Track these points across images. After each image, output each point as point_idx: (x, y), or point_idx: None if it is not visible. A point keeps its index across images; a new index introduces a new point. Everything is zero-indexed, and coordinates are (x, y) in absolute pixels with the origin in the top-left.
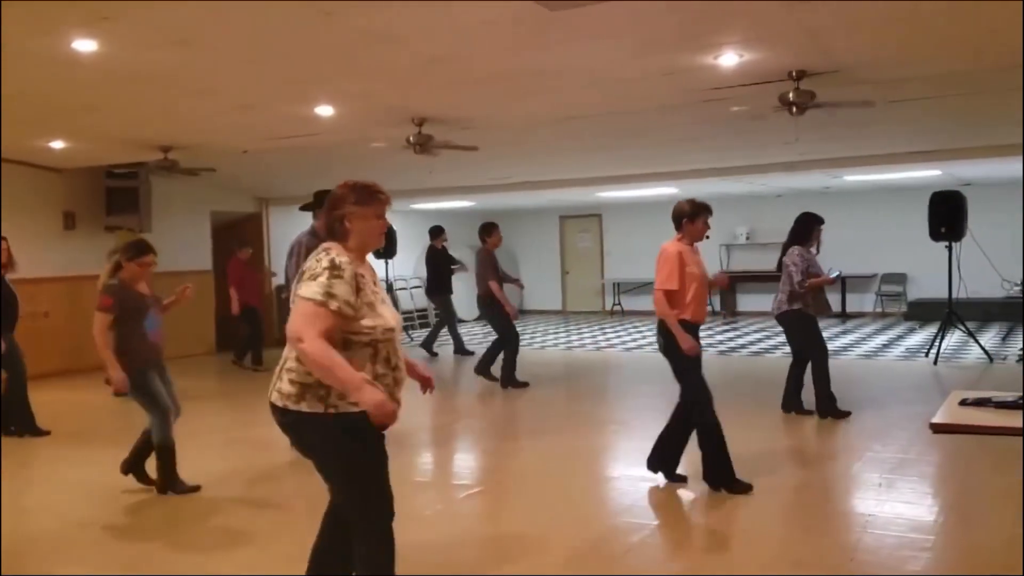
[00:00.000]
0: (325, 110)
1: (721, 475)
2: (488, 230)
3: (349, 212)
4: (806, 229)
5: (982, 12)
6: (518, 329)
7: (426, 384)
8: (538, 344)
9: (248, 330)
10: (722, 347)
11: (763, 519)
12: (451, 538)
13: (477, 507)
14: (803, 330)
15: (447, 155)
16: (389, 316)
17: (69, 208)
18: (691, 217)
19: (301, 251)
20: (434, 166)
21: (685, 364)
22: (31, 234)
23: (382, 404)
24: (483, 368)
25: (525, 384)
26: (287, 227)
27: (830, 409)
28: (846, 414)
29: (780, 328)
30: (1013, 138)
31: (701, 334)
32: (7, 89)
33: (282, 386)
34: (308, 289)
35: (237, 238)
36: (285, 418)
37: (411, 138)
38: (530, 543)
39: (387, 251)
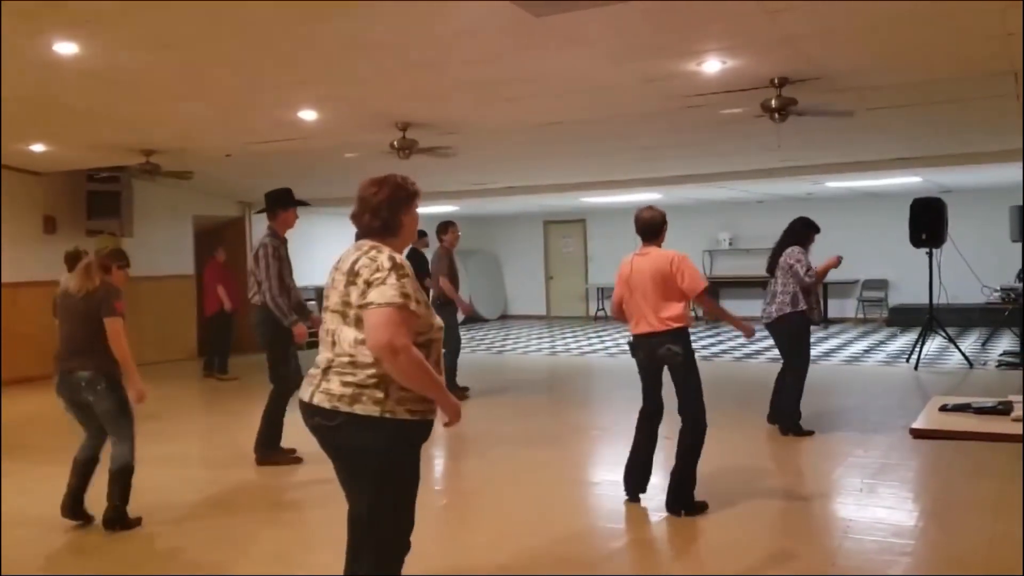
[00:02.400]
0: (309, 114)
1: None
2: (444, 228)
3: (407, 206)
4: (804, 234)
5: (962, 20)
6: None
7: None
8: (521, 349)
9: (217, 336)
10: (705, 352)
11: (745, 524)
12: (428, 544)
13: (454, 514)
14: (801, 335)
15: (431, 159)
16: (435, 316)
17: (50, 212)
18: (665, 225)
19: (268, 252)
20: (418, 171)
21: (696, 377)
22: (11, 238)
23: (460, 411)
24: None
25: (465, 389)
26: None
27: (795, 426)
28: (809, 433)
29: (766, 334)
30: (993, 145)
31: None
32: None
33: (331, 387)
34: (382, 294)
35: (219, 242)
36: (333, 420)
37: (395, 143)
38: (507, 549)
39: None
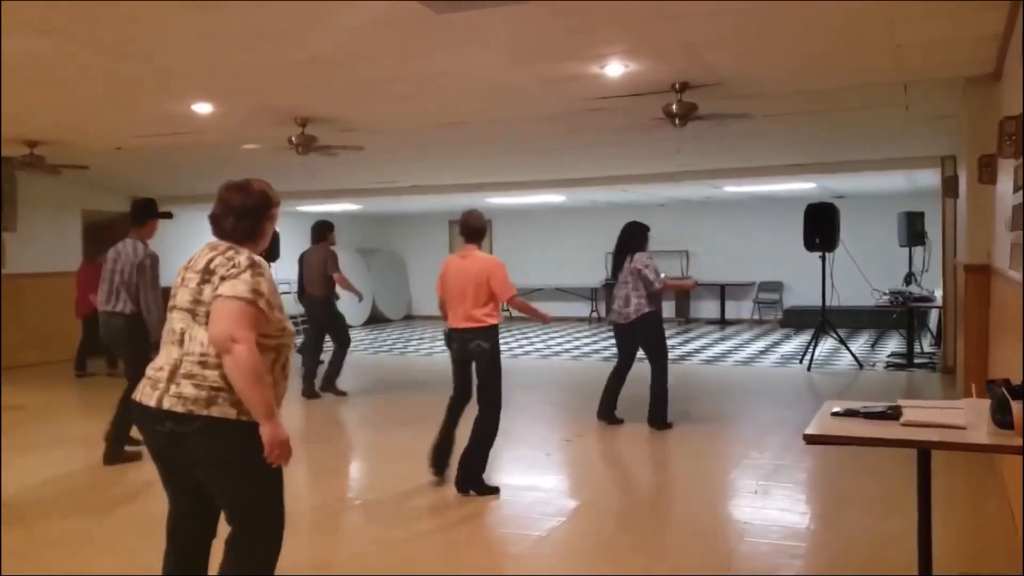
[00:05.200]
0: (203, 107)
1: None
2: (331, 228)
3: (271, 214)
4: (643, 237)
5: (856, 30)
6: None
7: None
8: (426, 350)
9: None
10: (606, 353)
11: (643, 528)
12: (331, 553)
13: (354, 519)
14: (661, 332)
15: (333, 157)
16: (288, 321)
17: None
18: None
19: (153, 265)
20: (319, 168)
21: (497, 369)
22: None
23: (285, 443)
24: (329, 384)
25: (343, 393)
26: (165, 227)
27: (663, 420)
28: (669, 425)
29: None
30: (883, 153)
31: (571, 338)
32: None
33: (183, 390)
34: (233, 287)
35: (110, 238)
36: (187, 425)
37: (293, 138)
38: (399, 559)
39: (271, 254)
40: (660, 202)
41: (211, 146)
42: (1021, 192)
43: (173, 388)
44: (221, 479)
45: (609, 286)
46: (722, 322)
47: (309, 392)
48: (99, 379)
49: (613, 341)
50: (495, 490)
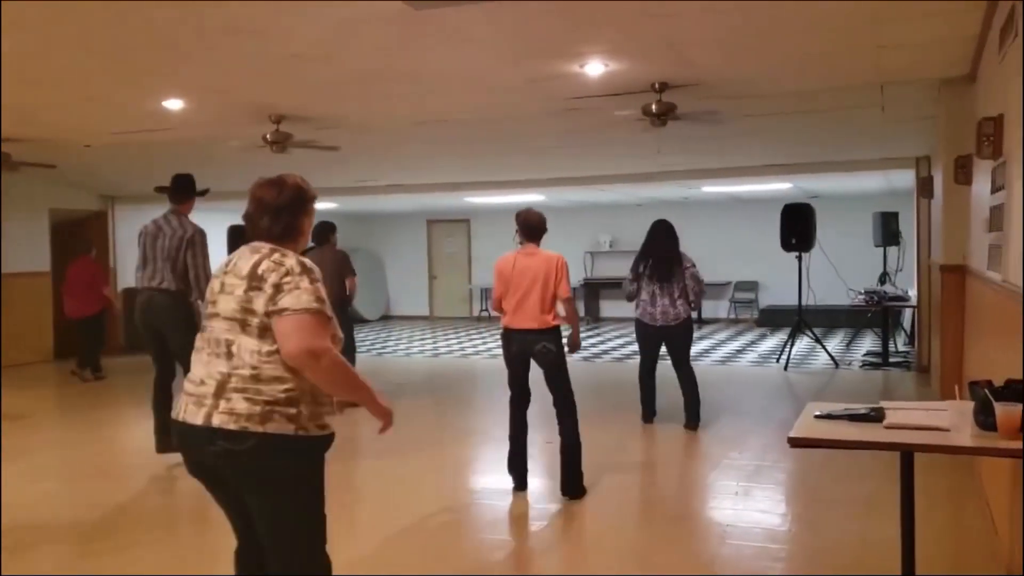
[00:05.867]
0: (175, 104)
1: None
2: (333, 229)
3: (308, 209)
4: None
5: (835, 32)
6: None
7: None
8: (403, 350)
9: (88, 336)
10: (586, 352)
11: (626, 532)
12: None
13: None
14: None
15: (309, 154)
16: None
17: None
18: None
19: (204, 242)
20: (295, 166)
21: (566, 371)
22: None
23: (391, 413)
24: None
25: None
26: (135, 226)
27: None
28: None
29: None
30: (860, 154)
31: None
32: None
33: (235, 406)
34: (298, 299)
35: (80, 237)
36: (243, 443)
37: (268, 136)
38: (389, 563)
39: None
40: (638, 202)
41: (183, 144)
42: (1000, 193)
43: (223, 404)
44: (270, 499)
45: (589, 285)
46: (699, 321)
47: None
48: (68, 381)
49: (591, 342)
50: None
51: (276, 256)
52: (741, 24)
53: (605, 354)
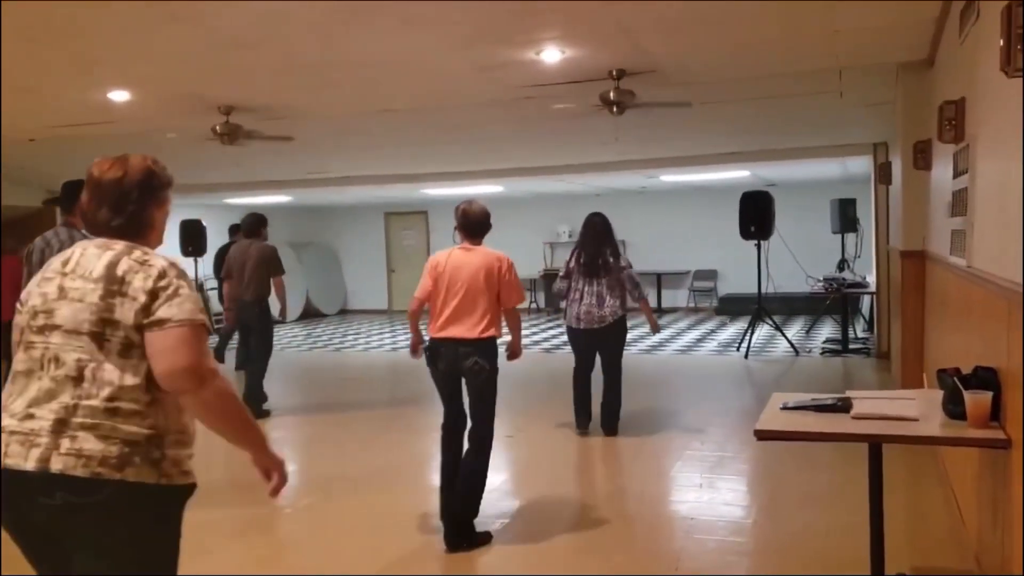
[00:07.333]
0: (120, 95)
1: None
2: (265, 222)
3: (161, 197)
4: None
5: (790, 16)
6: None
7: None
8: (362, 345)
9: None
10: (547, 344)
11: (589, 527)
12: (255, 566)
13: (289, 529)
14: (624, 340)
15: (260, 146)
16: None
17: None
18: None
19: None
20: (245, 158)
21: (494, 400)
22: None
23: (284, 467)
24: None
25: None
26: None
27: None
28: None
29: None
30: (817, 141)
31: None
32: None
33: (85, 446)
34: (180, 308)
35: (23, 235)
36: (92, 494)
37: (217, 127)
38: (345, 566)
39: (198, 249)
40: (596, 192)
41: (130, 136)
42: (963, 177)
43: (66, 443)
44: (113, 563)
45: (549, 277)
46: (658, 310)
47: (259, 413)
48: None
49: (551, 333)
50: (488, 537)
51: (137, 254)
52: (694, 8)
53: (565, 345)
